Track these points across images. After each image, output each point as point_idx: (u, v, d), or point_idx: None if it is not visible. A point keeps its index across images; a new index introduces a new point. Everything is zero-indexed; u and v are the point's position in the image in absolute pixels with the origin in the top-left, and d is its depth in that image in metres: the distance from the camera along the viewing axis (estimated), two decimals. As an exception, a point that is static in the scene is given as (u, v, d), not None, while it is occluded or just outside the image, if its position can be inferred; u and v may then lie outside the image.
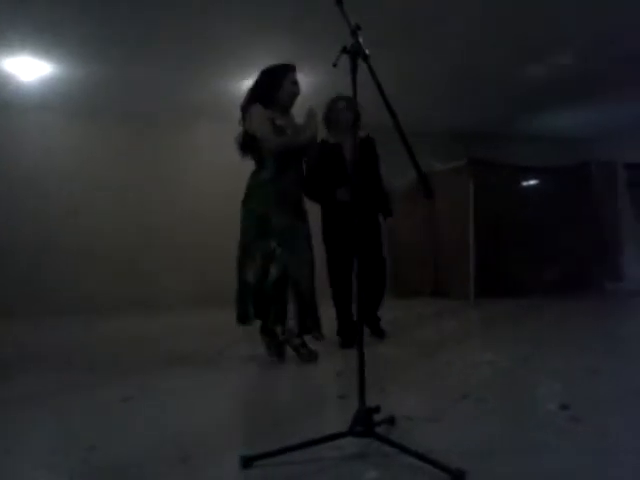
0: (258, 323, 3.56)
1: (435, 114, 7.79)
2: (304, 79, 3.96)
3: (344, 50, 1.75)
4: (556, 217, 7.44)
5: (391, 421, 2.05)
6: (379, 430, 1.82)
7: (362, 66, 1.75)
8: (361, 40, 1.75)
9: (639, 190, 8.04)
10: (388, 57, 5.47)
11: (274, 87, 3.58)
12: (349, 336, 3.95)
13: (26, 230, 6.50)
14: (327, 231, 4.13)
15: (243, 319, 3.52)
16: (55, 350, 4.34)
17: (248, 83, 3.77)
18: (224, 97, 6.15)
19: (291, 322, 3.50)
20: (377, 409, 1.79)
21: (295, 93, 3.65)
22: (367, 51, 1.74)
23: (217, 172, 6.98)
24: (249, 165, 3.63)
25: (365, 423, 1.72)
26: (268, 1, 4.59)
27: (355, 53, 1.75)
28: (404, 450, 1.68)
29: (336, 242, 4.03)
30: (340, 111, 4.07)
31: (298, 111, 3.65)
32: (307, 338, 3.52)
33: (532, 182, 7.94)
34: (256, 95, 3.59)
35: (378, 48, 5.17)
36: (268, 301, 3.48)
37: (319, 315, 3.57)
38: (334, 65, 1.75)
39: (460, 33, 5.32)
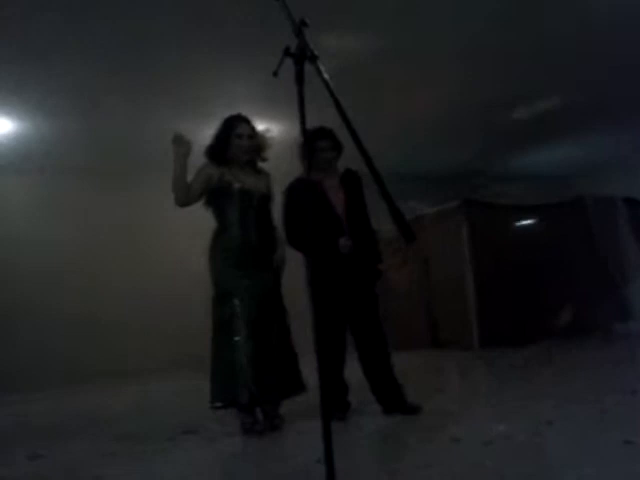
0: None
1: (420, 156, 7.45)
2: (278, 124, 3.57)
3: (287, 52, 1.32)
4: (556, 256, 7.00)
5: None
6: None
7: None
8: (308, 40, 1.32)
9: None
10: (371, 100, 5.20)
11: (221, 143, 3.32)
12: (341, 408, 3.44)
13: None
14: (316, 289, 3.53)
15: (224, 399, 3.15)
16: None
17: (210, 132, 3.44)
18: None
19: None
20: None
21: (244, 147, 3.31)
22: (315, 52, 1.30)
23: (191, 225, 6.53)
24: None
25: None
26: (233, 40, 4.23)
27: (301, 56, 1.31)
28: None
29: (328, 302, 3.35)
30: (322, 151, 3.53)
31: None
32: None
33: (528, 221, 7.52)
34: (208, 151, 3.34)
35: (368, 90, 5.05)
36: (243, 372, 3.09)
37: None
38: (274, 74, 1.31)
39: (444, 73, 5.01)
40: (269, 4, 1.45)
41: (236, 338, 3.11)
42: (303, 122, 1.31)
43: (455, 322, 6.86)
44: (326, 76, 1.26)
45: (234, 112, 3.43)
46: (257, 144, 3.39)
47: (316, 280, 3.42)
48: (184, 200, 3.22)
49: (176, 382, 5.51)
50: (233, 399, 3.10)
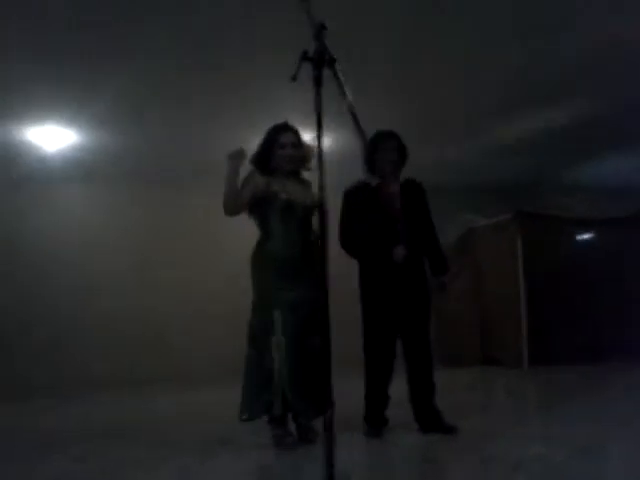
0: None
1: (474, 167, 7.23)
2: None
3: (305, 57, 1.30)
4: (613, 272, 6.70)
5: None
6: None
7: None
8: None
9: None
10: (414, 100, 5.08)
11: (265, 152, 3.30)
12: (378, 423, 3.37)
13: (49, 305, 6.22)
14: (368, 296, 3.46)
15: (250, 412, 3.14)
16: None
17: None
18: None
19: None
20: None
21: (289, 156, 3.28)
22: (333, 55, 1.28)
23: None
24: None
25: None
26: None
27: (320, 60, 1.29)
28: None
29: (379, 311, 3.39)
30: (386, 151, 3.47)
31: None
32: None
33: (586, 235, 7.21)
34: (253, 160, 3.32)
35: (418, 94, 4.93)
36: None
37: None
38: (293, 79, 1.30)
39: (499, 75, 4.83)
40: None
41: (270, 353, 3.08)
42: (320, 126, 1.29)
43: (505, 339, 6.65)
44: (342, 78, 1.24)
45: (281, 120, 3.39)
46: (302, 154, 3.34)
47: (368, 287, 3.43)
48: (235, 211, 3.22)
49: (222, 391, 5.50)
50: (259, 412, 3.10)
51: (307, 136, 3.48)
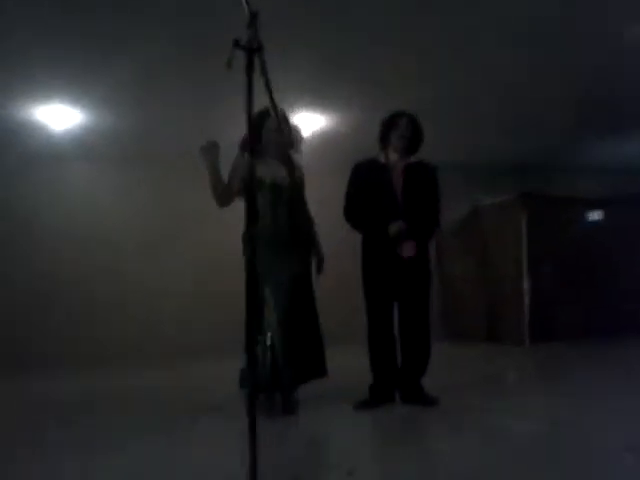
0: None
1: (483, 144, 7.19)
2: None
3: (236, 44, 1.38)
4: (618, 252, 6.69)
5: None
6: None
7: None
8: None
9: None
10: (429, 82, 5.07)
11: (254, 138, 3.30)
12: (381, 393, 3.46)
13: (63, 280, 6.39)
14: (368, 269, 3.55)
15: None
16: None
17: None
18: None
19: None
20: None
21: (277, 142, 3.34)
22: (261, 42, 1.35)
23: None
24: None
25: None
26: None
27: (252, 49, 1.37)
28: None
29: (378, 283, 3.48)
30: (399, 128, 3.53)
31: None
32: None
33: (591, 215, 7.17)
34: (241, 145, 3.35)
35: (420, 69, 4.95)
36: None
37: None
38: (228, 66, 1.38)
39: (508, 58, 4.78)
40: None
41: (264, 324, 3.21)
42: (249, 112, 1.37)
43: (509, 317, 6.70)
44: (266, 64, 1.31)
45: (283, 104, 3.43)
46: (288, 138, 3.40)
47: (368, 258, 3.52)
48: (226, 201, 3.32)
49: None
50: (255, 382, 3.21)
51: (308, 117, 3.51)
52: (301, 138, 3.57)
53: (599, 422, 2.86)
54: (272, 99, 1.39)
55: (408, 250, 3.38)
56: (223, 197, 3.29)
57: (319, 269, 3.53)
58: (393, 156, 3.56)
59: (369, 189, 3.52)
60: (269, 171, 3.35)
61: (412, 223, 3.43)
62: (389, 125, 3.57)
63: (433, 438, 2.79)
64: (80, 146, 6.30)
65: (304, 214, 3.53)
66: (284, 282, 3.25)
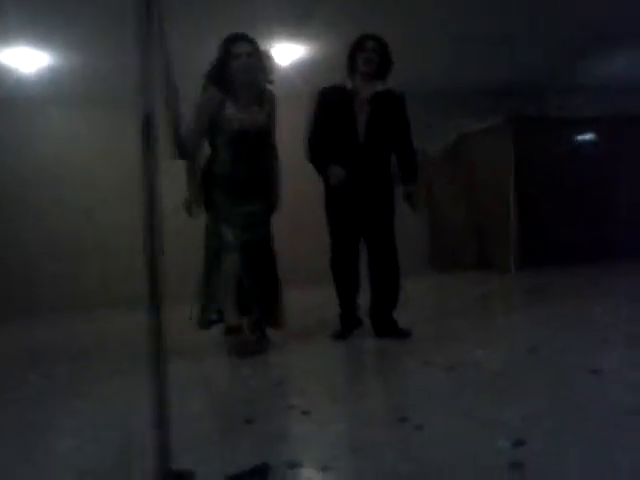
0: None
1: (465, 66, 6.89)
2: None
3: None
4: (611, 174, 6.57)
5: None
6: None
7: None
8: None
9: None
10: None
11: (219, 65, 3.14)
12: (347, 327, 3.51)
13: (30, 225, 6.39)
14: (331, 207, 3.49)
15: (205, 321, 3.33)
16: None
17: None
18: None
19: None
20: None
21: (244, 66, 3.10)
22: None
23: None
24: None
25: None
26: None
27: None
28: None
29: (341, 220, 3.44)
30: (369, 51, 3.33)
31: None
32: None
33: (582, 136, 6.99)
34: (207, 75, 3.17)
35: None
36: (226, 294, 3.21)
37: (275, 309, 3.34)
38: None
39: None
40: None
41: (223, 264, 3.19)
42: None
43: (497, 243, 6.67)
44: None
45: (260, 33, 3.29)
46: (259, 64, 3.20)
47: (331, 194, 3.45)
48: (190, 149, 3.17)
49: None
50: (215, 321, 3.25)
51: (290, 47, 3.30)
52: (274, 66, 3.37)
53: (569, 348, 2.88)
54: (162, 34, 1.28)
55: (334, 176, 3.31)
56: (188, 143, 3.13)
57: (273, 207, 3.43)
58: (360, 83, 3.39)
59: (331, 121, 3.39)
60: (238, 112, 3.17)
61: (373, 157, 3.36)
62: (355, 48, 3.37)
63: (399, 373, 2.81)
64: (49, 88, 6.14)
65: (269, 157, 3.39)
66: (243, 221, 3.21)
